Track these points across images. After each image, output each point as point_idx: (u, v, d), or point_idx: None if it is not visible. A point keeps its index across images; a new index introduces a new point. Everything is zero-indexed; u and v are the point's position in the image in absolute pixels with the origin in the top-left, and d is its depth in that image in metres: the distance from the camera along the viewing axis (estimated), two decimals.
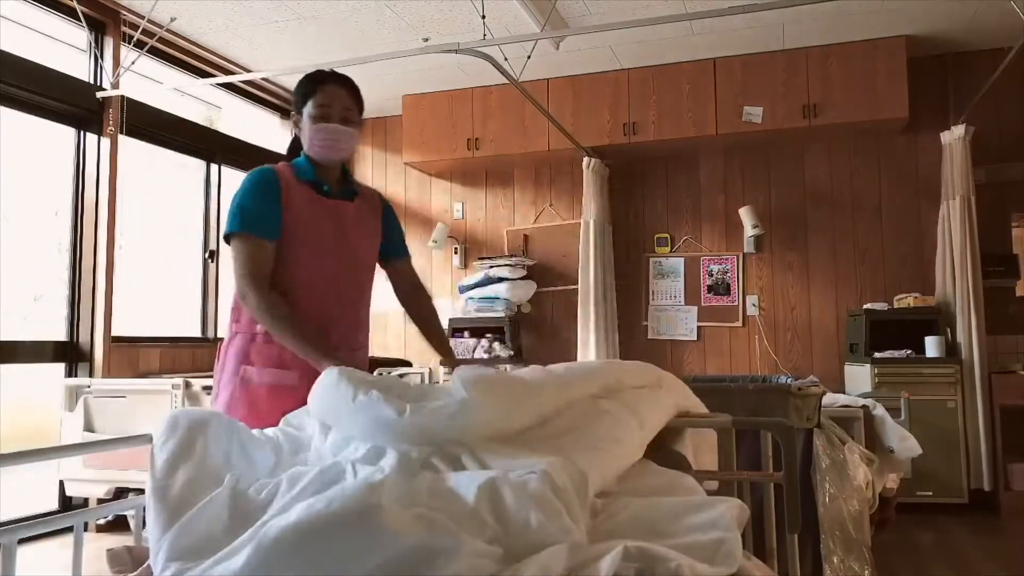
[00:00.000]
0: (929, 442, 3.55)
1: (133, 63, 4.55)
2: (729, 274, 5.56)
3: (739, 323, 5.51)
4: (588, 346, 5.40)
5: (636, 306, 5.73)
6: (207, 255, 5.37)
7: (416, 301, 2.38)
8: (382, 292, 2.30)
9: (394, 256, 2.33)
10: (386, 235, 2.29)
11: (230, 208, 2.02)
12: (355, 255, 2.16)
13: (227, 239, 2.01)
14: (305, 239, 2.04)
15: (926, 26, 4.81)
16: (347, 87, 2.12)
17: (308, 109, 2.08)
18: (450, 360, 2.33)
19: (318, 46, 4.96)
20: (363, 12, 4.53)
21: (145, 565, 1.30)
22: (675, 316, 5.64)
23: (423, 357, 4.96)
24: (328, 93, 2.08)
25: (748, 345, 5.48)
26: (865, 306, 5.01)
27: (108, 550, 1.49)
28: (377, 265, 2.29)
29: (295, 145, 2.21)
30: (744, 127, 5.15)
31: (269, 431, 1.46)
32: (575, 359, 5.52)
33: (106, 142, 4.47)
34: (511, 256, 5.79)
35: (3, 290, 4.04)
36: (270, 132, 6.09)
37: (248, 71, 5.21)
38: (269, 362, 1.99)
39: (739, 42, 5.03)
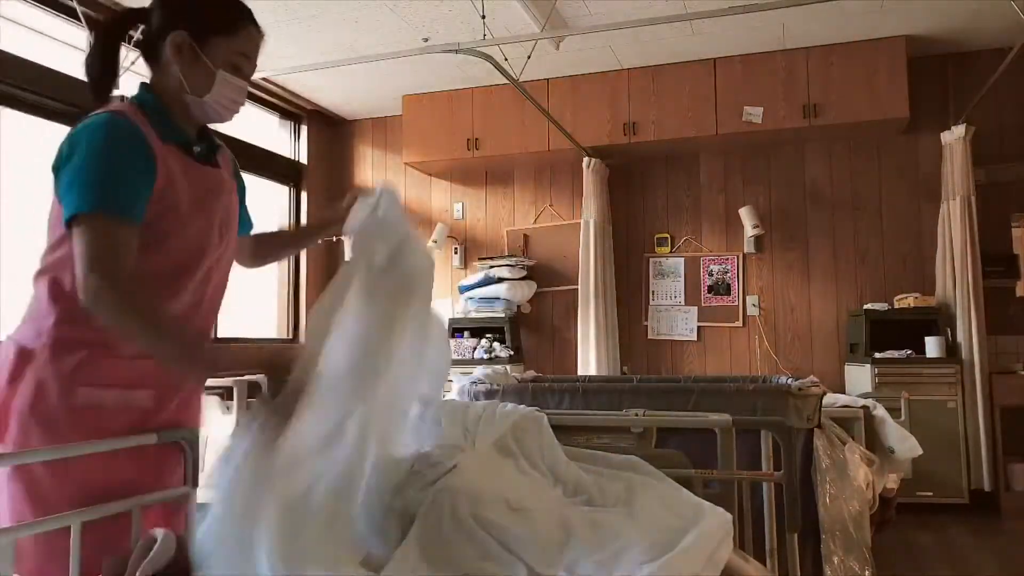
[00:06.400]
0: (929, 442, 3.55)
1: (133, 63, 4.54)
2: (729, 274, 5.56)
3: (739, 323, 5.51)
4: (588, 346, 5.40)
5: (636, 306, 5.72)
6: None
7: (257, 243, 1.89)
8: None
9: (245, 231, 1.81)
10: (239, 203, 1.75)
11: (72, 173, 1.41)
12: (230, 237, 1.67)
13: (72, 221, 1.40)
14: (176, 223, 1.50)
15: (926, 26, 4.81)
16: (262, 36, 1.63)
17: (221, 50, 1.54)
18: (309, 228, 1.94)
19: (318, 46, 4.96)
20: (363, 12, 4.53)
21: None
22: (675, 316, 5.64)
23: None
24: (253, 40, 1.60)
25: (748, 345, 5.48)
26: (865, 306, 5.01)
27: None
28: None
29: (107, 65, 1.58)
30: (744, 127, 5.15)
31: None
32: (575, 359, 5.52)
33: None
34: (511, 256, 5.79)
35: (3, 290, 4.04)
36: (270, 133, 6.09)
37: None
38: (119, 381, 1.49)
39: (739, 42, 5.03)
